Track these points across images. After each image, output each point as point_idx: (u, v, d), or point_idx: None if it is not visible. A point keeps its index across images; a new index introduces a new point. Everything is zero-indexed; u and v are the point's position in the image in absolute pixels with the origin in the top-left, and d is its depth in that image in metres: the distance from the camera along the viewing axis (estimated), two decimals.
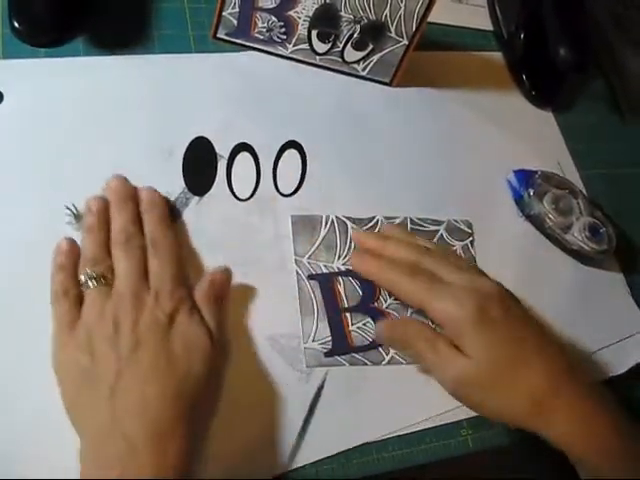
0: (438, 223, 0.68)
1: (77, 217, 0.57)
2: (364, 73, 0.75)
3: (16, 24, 0.64)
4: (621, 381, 0.65)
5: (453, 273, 0.57)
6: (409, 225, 0.67)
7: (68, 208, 0.57)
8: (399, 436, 0.58)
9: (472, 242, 0.68)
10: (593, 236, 0.70)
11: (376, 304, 0.62)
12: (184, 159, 0.63)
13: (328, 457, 0.55)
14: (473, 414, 0.60)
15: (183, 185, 0.62)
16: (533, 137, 0.80)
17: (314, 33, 0.71)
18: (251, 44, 0.72)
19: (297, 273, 0.61)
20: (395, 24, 0.70)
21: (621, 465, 0.52)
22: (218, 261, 0.59)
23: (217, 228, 0.61)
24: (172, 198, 0.61)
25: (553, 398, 0.52)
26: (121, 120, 0.64)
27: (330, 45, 0.72)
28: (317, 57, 0.73)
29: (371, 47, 0.72)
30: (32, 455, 0.48)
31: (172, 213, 0.60)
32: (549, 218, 0.71)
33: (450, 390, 0.55)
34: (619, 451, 0.52)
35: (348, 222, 0.65)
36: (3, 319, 0.52)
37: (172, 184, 0.62)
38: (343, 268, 0.63)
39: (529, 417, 0.52)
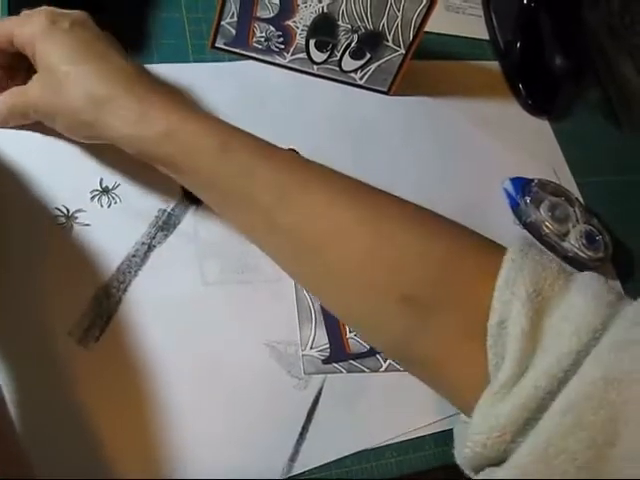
0: None
1: (68, 218, 0.57)
2: (362, 82, 0.76)
3: None
4: None
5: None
6: None
7: (58, 209, 0.57)
8: (397, 443, 0.58)
9: None
10: (589, 244, 0.71)
11: None
12: None
13: (326, 464, 0.55)
14: None
15: (181, 193, 0.62)
16: (529, 145, 0.81)
17: (312, 42, 0.72)
18: (249, 53, 0.73)
19: None
20: (392, 33, 0.70)
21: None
22: (215, 269, 0.60)
23: (215, 236, 0.61)
24: (170, 206, 0.61)
25: (116, 100, 0.50)
26: None
27: (328, 54, 0.73)
28: (315, 66, 0.74)
29: (368, 56, 0.73)
30: None
31: (170, 222, 0.60)
32: (546, 226, 0.71)
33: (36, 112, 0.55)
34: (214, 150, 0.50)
35: None
36: None
37: (169, 192, 0.62)
38: None
39: (94, 119, 0.51)
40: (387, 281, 0.45)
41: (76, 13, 0.55)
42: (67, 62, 0.51)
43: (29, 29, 0.52)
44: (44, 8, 0.53)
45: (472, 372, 0.42)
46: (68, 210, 0.58)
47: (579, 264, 0.72)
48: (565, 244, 0.71)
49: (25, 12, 0.54)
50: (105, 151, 0.61)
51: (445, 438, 0.60)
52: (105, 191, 0.60)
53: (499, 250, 0.44)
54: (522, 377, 0.39)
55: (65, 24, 0.53)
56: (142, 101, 0.50)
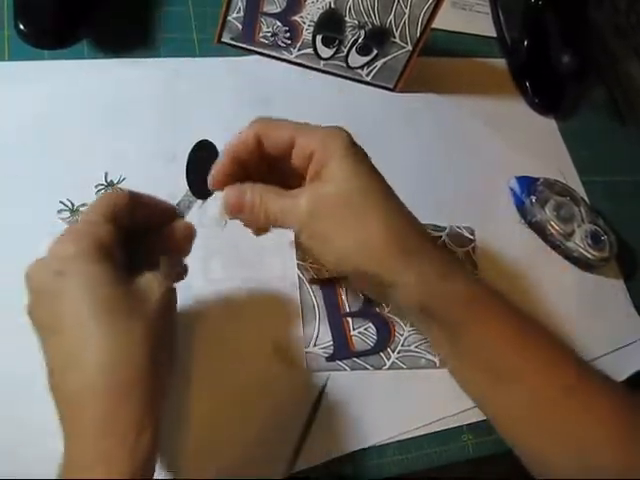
0: (440, 229, 0.68)
1: (73, 212, 0.57)
2: (368, 78, 0.75)
3: (21, 26, 0.65)
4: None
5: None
6: None
7: (63, 203, 0.57)
8: (399, 441, 0.58)
9: (474, 248, 0.68)
10: (595, 244, 0.70)
11: (378, 309, 0.62)
12: (187, 162, 0.63)
13: (328, 461, 0.55)
14: (474, 420, 0.60)
15: (186, 188, 0.62)
16: (535, 144, 0.81)
17: (318, 38, 0.71)
18: (255, 48, 0.73)
19: (299, 278, 0.62)
20: (399, 30, 0.70)
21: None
22: (220, 265, 0.60)
23: (220, 232, 0.61)
24: (175, 201, 0.61)
25: (416, 243, 0.50)
26: (124, 123, 0.64)
27: (334, 50, 0.72)
28: (321, 62, 0.74)
29: (375, 52, 0.73)
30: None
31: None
32: (551, 225, 0.71)
33: (301, 221, 0.49)
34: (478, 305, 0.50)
35: None
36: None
37: (175, 187, 0.62)
38: None
39: (388, 256, 0.48)
40: None
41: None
42: (372, 186, 0.50)
43: (332, 142, 0.50)
44: (341, 129, 0.52)
45: None
46: (73, 204, 0.58)
47: (584, 264, 0.72)
48: (570, 244, 0.71)
49: (309, 125, 0.52)
50: (110, 145, 0.62)
51: (448, 437, 0.60)
52: (110, 185, 0.60)
53: None
54: None
55: (362, 151, 0.51)
56: (441, 259, 0.50)
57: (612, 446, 0.47)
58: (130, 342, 0.41)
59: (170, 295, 0.46)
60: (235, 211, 0.51)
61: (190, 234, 0.50)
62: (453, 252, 0.52)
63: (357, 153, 0.50)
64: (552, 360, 0.50)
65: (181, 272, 0.53)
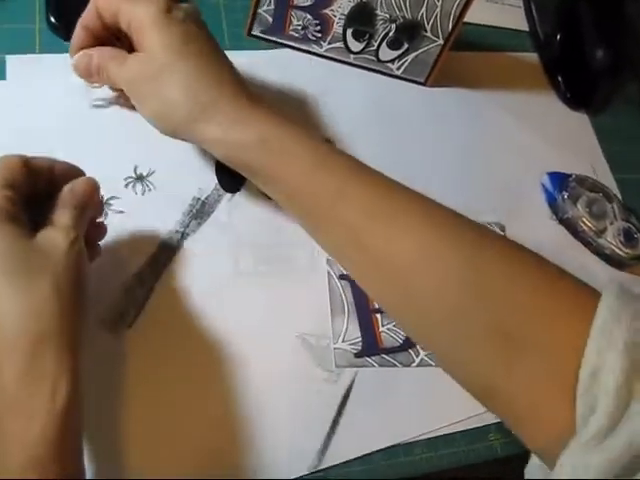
0: None
1: (103, 205, 0.57)
2: (398, 72, 0.75)
3: (52, 19, 0.65)
4: None
5: None
6: None
7: None
8: (427, 439, 0.58)
9: None
10: (627, 241, 0.69)
11: None
12: None
13: (355, 459, 0.55)
14: None
15: (215, 182, 0.62)
16: (568, 139, 0.79)
17: (349, 32, 0.71)
18: (286, 42, 0.72)
19: (328, 273, 0.61)
20: (431, 24, 0.69)
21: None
22: (248, 259, 0.59)
23: (248, 226, 0.61)
24: (204, 195, 0.61)
25: (213, 97, 0.51)
26: None
27: (365, 44, 0.72)
28: (352, 56, 0.73)
29: (406, 46, 0.72)
30: None
31: (204, 210, 0.60)
32: (583, 222, 0.70)
33: (126, 87, 0.54)
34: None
35: None
36: None
37: (204, 181, 0.62)
38: None
39: (188, 118, 0.51)
40: (474, 310, 0.44)
41: (190, 7, 0.54)
42: (176, 54, 0.51)
43: (142, 10, 0.52)
44: None
45: (555, 418, 0.40)
46: (102, 197, 0.58)
47: (616, 262, 0.71)
48: (601, 241, 0.70)
49: None
50: (140, 138, 0.61)
51: (475, 436, 0.59)
52: (139, 178, 0.60)
53: (594, 294, 0.42)
54: (614, 430, 0.37)
55: (179, 15, 0.52)
56: (240, 108, 0.51)
57: None
58: (39, 299, 0.41)
59: (78, 246, 0.45)
60: (85, 75, 0.57)
61: (90, 188, 0.49)
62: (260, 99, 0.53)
63: (168, 18, 0.52)
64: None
65: (101, 229, 0.53)
